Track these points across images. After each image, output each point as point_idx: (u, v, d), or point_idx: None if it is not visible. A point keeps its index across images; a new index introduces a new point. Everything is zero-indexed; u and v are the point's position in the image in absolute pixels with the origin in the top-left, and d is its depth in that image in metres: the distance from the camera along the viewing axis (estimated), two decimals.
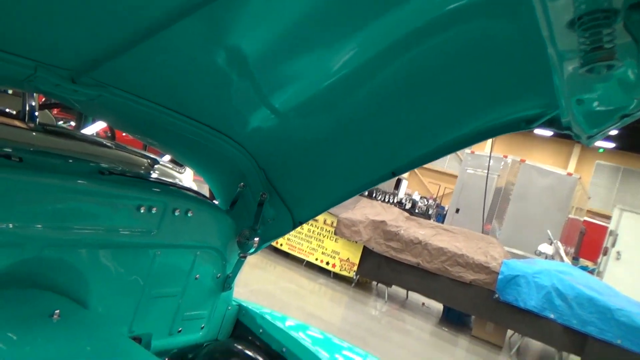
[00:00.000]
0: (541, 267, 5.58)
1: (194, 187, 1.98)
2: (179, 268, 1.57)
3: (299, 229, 7.28)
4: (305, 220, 1.71)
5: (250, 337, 1.75)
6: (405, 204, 24.74)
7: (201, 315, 1.71)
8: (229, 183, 1.76)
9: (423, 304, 7.07)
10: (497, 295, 5.53)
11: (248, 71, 1.24)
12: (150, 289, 1.47)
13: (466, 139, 1.23)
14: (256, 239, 1.66)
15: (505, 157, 10.59)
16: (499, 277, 5.52)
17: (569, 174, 10.34)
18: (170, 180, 1.69)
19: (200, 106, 1.39)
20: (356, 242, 6.65)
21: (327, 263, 7.01)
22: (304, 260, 7.27)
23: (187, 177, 1.94)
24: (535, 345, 6.39)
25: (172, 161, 2.36)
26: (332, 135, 1.46)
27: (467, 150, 11.47)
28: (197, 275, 1.63)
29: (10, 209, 1.07)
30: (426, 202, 25.82)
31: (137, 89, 1.24)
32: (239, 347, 1.70)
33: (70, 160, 1.28)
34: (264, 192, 1.66)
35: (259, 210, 1.67)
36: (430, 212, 21.23)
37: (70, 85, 1.13)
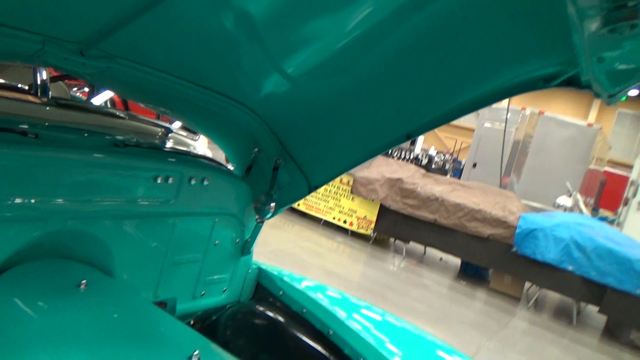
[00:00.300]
0: (560, 220, 5.56)
1: (209, 154, 1.99)
2: (199, 235, 1.60)
3: None
4: (321, 185, 1.72)
5: (271, 299, 1.80)
6: (422, 160, 24.61)
7: (223, 279, 1.75)
8: (243, 149, 1.77)
9: (441, 258, 7.15)
10: (514, 249, 5.55)
11: (258, 35, 1.21)
12: (172, 255, 1.51)
13: (482, 100, 1.20)
14: (272, 204, 1.68)
15: (524, 109, 10.35)
16: (517, 231, 5.52)
17: (590, 125, 10.09)
18: (184, 148, 1.70)
19: (210, 73, 1.38)
20: (373, 200, 6.69)
21: (345, 221, 7.08)
22: (322, 219, 7.35)
23: (201, 144, 1.95)
24: (553, 296, 6.45)
25: (185, 129, 2.35)
26: (345, 98, 1.43)
27: None
28: (217, 241, 1.66)
29: (31, 185, 1.09)
30: (443, 157, 25.60)
31: (146, 58, 1.23)
32: (261, 308, 1.76)
33: (85, 134, 1.30)
34: (278, 157, 1.67)
35: (274, 176, 1.68)
36: (447, 167, 21.08)
37: (79, 59, 1.12)
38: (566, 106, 20.13)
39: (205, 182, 1.52)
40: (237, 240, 1.75)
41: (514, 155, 10.27)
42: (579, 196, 7.79)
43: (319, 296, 1.77)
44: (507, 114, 9.52)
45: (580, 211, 7.65)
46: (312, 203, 7.39)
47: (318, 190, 7.35)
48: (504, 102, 11.02)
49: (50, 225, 1.15)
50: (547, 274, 5.40)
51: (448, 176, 15.14)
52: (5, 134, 1.07)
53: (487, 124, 10.84)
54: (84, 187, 1.20)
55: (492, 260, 5.85)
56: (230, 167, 1.87)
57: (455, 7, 1.05)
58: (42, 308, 1.05)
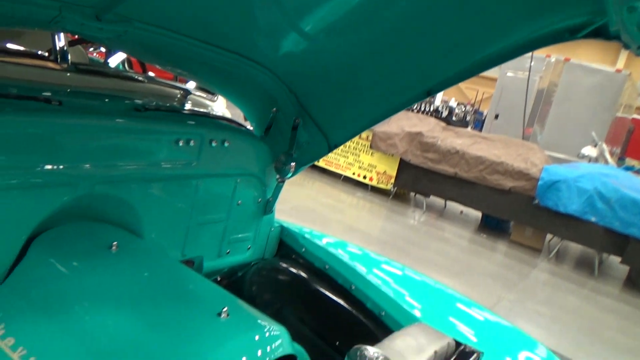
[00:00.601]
0: (583, 172, 5.47)
1: (228, 114, 2.00)
2: (222, 195, 1.63)
3: None
4: (341, 143, 1.72)
5: (294, 256, 1.85)
6: (442, 112, 24.09)
7: (247, 238, 1.80)
8: (261, 109, 1.77)
9: (461, 212, 7.16)
10: (536, 201, 5.52)
11: None
12: (197, 216, 1.55)
13: (505, 54, 1.17)
14: (292, 164, 1.69)
15: (548, 56, 9.98)
16: (539, 183, 5.47)
17: (618, 71, 9.70)
18: (204, 110, 1.71)
19: (227, 34, 1.37)
20: (392, 155, 6.66)
21: (364, 177, 7.09)
22: (342, 175, 7.38)
23: (220, 105, 1.95)
24: (575, 248, 6.44)
25: (203, 90, 2.32)
26: (363, 55, 1.41)
27: None
28: (239, 201, 1.70)
29: (58, 151, 1.12)
30: (463, 109, 25.00)
31: (163, 21, 1.22)
32: (284, 265, 1.81)
33: (107, 99, 1.31)
34: (297, 116, 1.66)
35: (293, 135, 1.68)
36: (468, 119, 20.63)
37: (96, 23, 1.12)
38: (594, 52, 19.33)
39: (226, 144, 1.54)
40: (259, 199, 1.78)
41: (538, 105, 10.00)
42: (604, 146, 7.61)
43: (340, 252, 1.81)
44: (530, 62, 9.21)
45: (606, 161, 7.50)
46: (332, 159, 7.40)
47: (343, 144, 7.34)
48: None
49: (80, 190, 1.19)
50: (570, 225, 5.38)
51: (469, 128, 14.89)
52: (30, 102, 1.09)
53: (509, 73, 10.52)
54: (108, 152, 1.22)
55: (513, 213, 5.84)
56: (250, 127, 1.88)
57: None
58: (77, 269, 1.10)
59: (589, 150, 7.79)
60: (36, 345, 0.90)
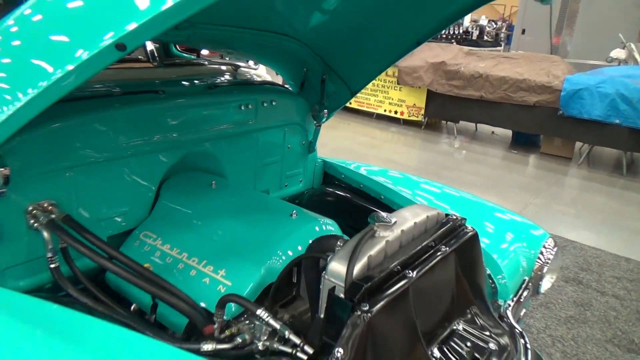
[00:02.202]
0: (605, 76, 5.64)
1: (268, 77, 2.50)
2: (276, 142, 2.16)
3: None
4: (360, 89, 2.19)
5: (336, 182, 2.38)
6: (472, 33, 23.32)
7: (298, 173, 2.34)
8: (295, 71, 2.25)
9: (493, 132, 7.46)
10: (561, 112, 5.78)
11: None
12: (260, 159, 2.09)
13: (469, 6, 1.59)
14: (325, 111, 2.20)
15: None
16: (562, 93, 5.70)
17: None
18: (255, 78, 2.22)
19: (268, 20, 1.83)
20: (419, 87, 6.97)
21: (395, 112, 7.47)
22: (374, 113, 7.77)
23: (261, 71, 2.41)
24: (605, 152, 6.67)
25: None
26: (366, 19, 1.84)
27: None
28: (289, 145, 2.22)
29: (168, 125, 1.67)
30: (495, 25, 24.01)
31: (218, 20, 1.71)
32: (329, 189, 2.35)
33: (189, 84, 1.84)
34: (323, 73, 2.14)
35: (322, 88, 2.17)
36: (500, 36, 19.97)
37: (174, 31, 1.62)
38: None
39: (274, 103, 2.05)
40: (303, 142, 2.31)
41: (564, 13, 9.83)
42: (633, 46, 7.57)
43: (379, 179, 2.28)
44: None
45: (636, 62, 7.50)
46: (363, 99, 7.79)
47: (366, 86, 7.71)
48: None
49: (183, 150, 1.75)
50: (595, 130, 5.64)
51: (502, 46, 14.64)
52: (147, 94, 1.63)
53: None
54: (197, 121, 1.76)
55: (540, 126, 6.12)
56: (287, 86, 2.37)
57: None
58: (194, 199, 1.68)
59: (618, 53, 7.78)
60: (182, 244, 1.49)
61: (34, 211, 1.35)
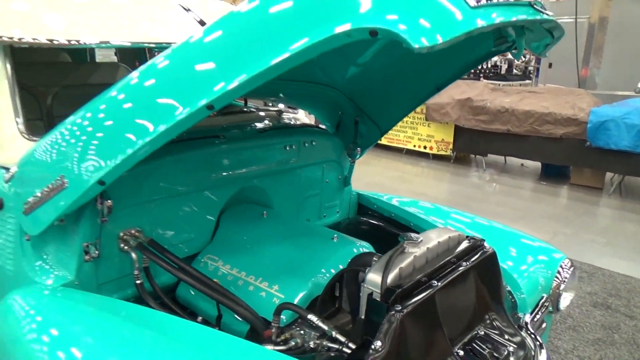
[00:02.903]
0: (630, 108, 5.77)
1: (306, 120, 2.81)
2: (316, 177, 2.45)
3: None
4: (389, 129, 2.47)
5: (369, 212, 2.64)
6: (501, 67, 23.36)
7: (335, 204, 2.61)
8: (331, 114, 2.55)
9: (522, 164, 7.58)
10: (588, 143, 5.90)
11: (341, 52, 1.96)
12: (302, 193, 2.38)
13: (467, 67, 1.88)
14: (358, 149, 2.49)
15: None
16: (588, 125, 5.84)
17: None
18: (297, 122, 2.54)
19: (315, 74, 2.15)
20: (447, 123, 7.22)
21: (425, 147, 7.71)
22: (404, 148, 8.04)
23: (300, 114, 2.72)
24: (636, 182, 6.68)
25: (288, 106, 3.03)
26: (392, 71, 2.15)
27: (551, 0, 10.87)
28: (327, 180, 2.51)
29: (227, 165, 1.98)
30: (524, 59, 24.02)
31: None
32: (363, 218, 2.61)
33: (244, 129, 2.16)
34: (356, 116, 2.44)
35: (355, 129, 2.46)
36: (530, 69, 20.00)
37: None
38: None
39: (314, 143, 2.35)
40: (340, 177, 2.59)
41: (590, 46, 9.99)
42: None
43: (412, 209, 2.52)
44: (575, 5, 9.26)
45: None
46: (393, 136, 8.08)
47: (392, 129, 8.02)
48: None
49: (238, 185, 2.05)
50: (624, 160, 5.73)
51: (532, 80, 14.79)
52: (211, 139, 1.95)
53: (558, 20, 10.52)
54: (250, 160, 2.07)
55: (568, 158, 6.24)
56: (323, 126, 2.68)
57: None
58: (249, 226, 1.97)
59: None
60: (241, 265, 1.76)
61: (124, 236, 1.66)
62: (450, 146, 7.37)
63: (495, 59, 23.21)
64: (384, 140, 8.17)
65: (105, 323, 1.39)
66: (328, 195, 2.55)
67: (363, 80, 2.26)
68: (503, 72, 20.69)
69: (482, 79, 11.17)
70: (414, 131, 7.78)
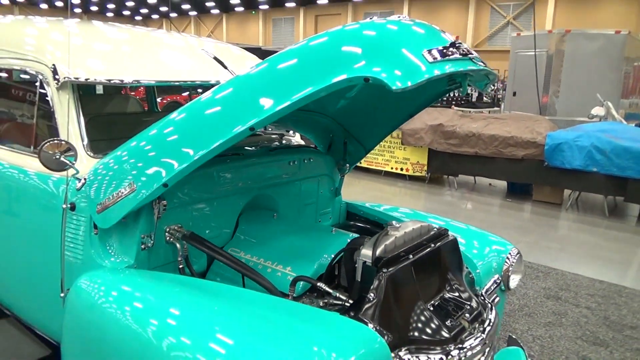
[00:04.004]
0: (581, 132, 6.51)
1: (302, 142, 3.36)
2: (312, 189, 2.96)
3: None
4: (372, 148, 3.02)
5: (357, 217, 3.16)
6: (472, 95, 24.55)
7: (328, 211, 3.13)
8: (323, 136, 3.09)
9: (490, 184, 8.25)
10: (546, 163, 6.59)
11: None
12: (302, 201, 2.89)
13: (426, 103, 2.46)
14: (347, 165, 3.03)
15: (550, 31, 10.89)
16: (545, 148, 6.54)
17: (617, 32, 10.47)
18: (293, 142, 3.07)
19: (311, 106, 2.68)
20: (421, 147, 7.87)
21: (401, 169, 8.33)
22: (382, 170, 8.64)
23: (297, 138, 3.23)
24: (592, 198, 7.40)
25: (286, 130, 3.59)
26: (373, 103, 2.71)
27: (514, 34, 11.84)
28: (322, 191, 3.03)
29: (244, 175, 2.48)
30: (493, 87, 25.26)
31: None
32: (352, 222, 3.13)
33: (256, 148, 2.68)
34: (345, 138, 2.98)
35: (344, 148, 3.00)
36: (500, 96, 21.12)
37: None
38: (611, 16, 19.79)
39: (311, 160, 2.88)
40: (332, 188, 3.11)
41: (549, 76, 10.91)
42: (610, 104, 8.51)
43: (394, 214, 3.05)
44: (534, 40, 10.17)
45: (613, 118, 8.40)
46: (372, 159, 8.68)
47: (375, 147, 8.65)
48: (547, 25, 11.53)
49: (253, 192, 2.56)
50: (577, 178, 6.43)
51: (500, 107, 15.72)
52: (232, 156, 2.46)
53: (520, 52, 11.48)
54: (263, 173, 2.59)
55: (529, 176, 6.93)
56: (314, 146, 3.21)
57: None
58: (263, 226, 2.47)
59: (598, 110, 8.70)
60: (259, 253, 2.26)
61: (170, 230, 2.14)
62: (425, 168, 8.00)
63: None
64: (364, 163, 8.78)
65: (167, 289, 1.87)
66: (322, 204, 3.07)
67: (350, 109, 2.82)
68: (474, 99, 21.87)
69: (453, 106, 11.93)
70: (391, 154, 8.41)
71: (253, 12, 44.32)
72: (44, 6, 45.19)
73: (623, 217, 6.59)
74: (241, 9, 45.01)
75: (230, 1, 42.39)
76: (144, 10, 49.91)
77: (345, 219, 3.25)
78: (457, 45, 1.73)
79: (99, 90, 3.79)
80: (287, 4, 40.06)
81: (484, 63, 1.88)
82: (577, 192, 7.08)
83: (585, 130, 6.61)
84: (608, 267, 4.65)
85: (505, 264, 2.58)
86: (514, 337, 2.63)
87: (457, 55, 1.70)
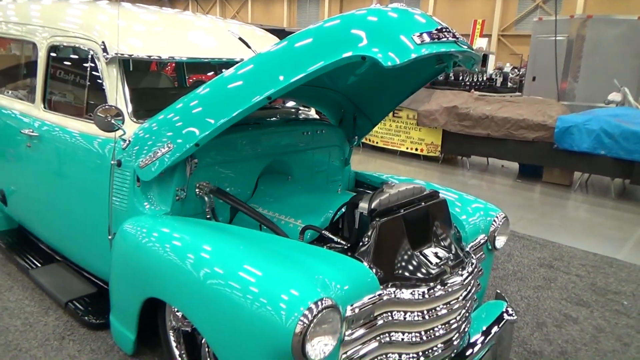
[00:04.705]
0: (591, 115, 6.68)
1: (316, 116, 3.71)
2: (324, 157, 3.32)
3: (388, 126, 8.90)
4: (379, 122, 3.35)
5: (365, 185, 3.51)
6: (496, 80, 24.34)
7: (338, 179, 3.48)
8: (335, 111, 3.43)
9: (502, 165, 8.47)
10: (556, 145, 6.79)
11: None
12: (314, 168, 3.25)
13: (422, 83, 2.77)
14: (356, 137, 3.37)
15: (572, 17, 10.88)
16: (555, 130, 6.74)
17: None
18: (309, 116, 3.42)
19: (321, 80, 3.02)
20: (436, 128, 8.13)
21: (416, 149, 8.61)
22: (397, 150, 8.93)
23: (312, 112, 3.58)
24: (602, 181, 7.57)
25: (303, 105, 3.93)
26: (378, 79, 3.02)
27: (535, 18, 11.84)
28: (333, 160, 3.38)
29: (262, 142, 2.85)
30: (518, 72, 25.02)
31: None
32: (360, 189, 3.48)
33: (274, 119, 3.03)
34: (354, 112, 3.32)
35: (353, 123, 3.34)
36: (524, 82, 20.92)
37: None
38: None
39: (323, 131, 3.23)
40: (342, 158, 3.46)
41: (569, 61, 10.93)
42: (627, 90, 8.58)
43: (390, 179, 3.40)
44: (555, 25, 10.21)
45: (630, 104, 8.48)
46: (388, 139, 8.98)
47: (390, 127, 8.96)
48: (578, 9, 11.53)
49: (271, 158, 2.92)
50: (585, 160, 6.62)
51: (523, 92, 15.74)
52: (253, 124, 2.83)
53: (540, 37, 11.51)
54: (279, 140, 2.95)
55: (539, 158, 7.14)
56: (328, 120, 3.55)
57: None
58: (280, 185, 2.84)
59: (614, 96, 8.78)
60: (275, 209, 2.63)
61: (199, 185, 2.53)
62: (439, 148, 8.27)
63: (490, 71, 24.22)
64: (380, 143, 9.08)
65: (199, 231, 2.26)
66: (332, 172, 3.43)
67: (359, 87, 3.15)
68: (498, 85, 21.81)
69: (473, 90, 12.07)
70: (407, 135, 8.69)
71: None
72: None
73: (630, 199, 6.77)
74: None
75: None
76: None
77: (354, 186, 3.61)
78: (444, 29, 2.04)
79: (135, 67, 4.19)
80: None
81: (467, 46, 2.19)
82: (586, 175, 7.26)
83: (595, 114, 6.78)
84: (605, 242, 4.90)
85: (492, 225, 2.91)
86: (500, 293, 2.97)
87: (443, 39, 2.02)
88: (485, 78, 21.26)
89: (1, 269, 3.50)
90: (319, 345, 1.74)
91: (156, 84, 4.08)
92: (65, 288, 3.09)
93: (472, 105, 7.76)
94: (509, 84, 22.72)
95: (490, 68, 25.38)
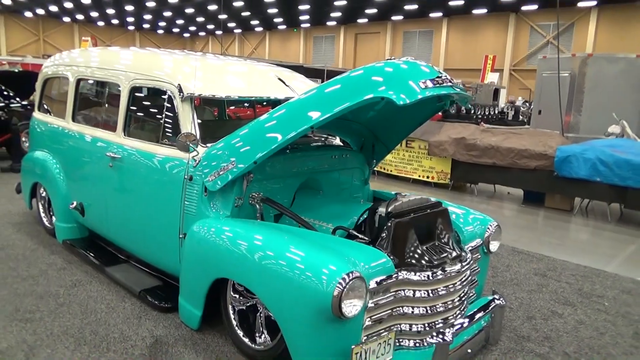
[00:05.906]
0: (588, 146, 7.32)
1: (341, 143, 4.44)
2: (347, 177, 4.02)
3: (401, 155, 9.61)
4: (393, 148, 4.07)
5: (382, 201, 4.19)
6: (508, 113, 25.04)
7: (359, 196, 4.17)
8: (356, 139, 4.16)
9: (508, 192, 9.07)
10: (556, 173, 7.41)
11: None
12: (339, 186, 3.95)
13: (423, 120, 3.48)
14: (374, 161, 4.08)
15: (574, 55, 11.63)
16: (555, 159, 7.38)
17: (638, 56, 11.11)
18: (335, 143, 4.15)
19: (349, 117, 3.75)
20: (445, 157, 8.81)
21: (427, 177, 9.28)
22: (410, 178, 9.61)
23: (337, 140, 4.33)
24: (601, 205, 8.12)
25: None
26: (394, 113, 3.74)
27: (540, 57, 12.62)
28: (355, 180, 4.08)
29: (300, 163, 3.56)
30: (529, 105, 25.70)
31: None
32: (377, 203, 4.16)
33: (308, 144, 3.76)
34: (373, 141, 4.03)
35: (372, 149, 4.06)
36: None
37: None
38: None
39: (348, 156, 3.94)
40: (362, 179, 4.16)
41: (572, 96, 11.63)
42: (625, 123, 9.22)
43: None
44: (558, 63, 10.95)
45: (628, 136, 9.10)
46: (401, 167, 9.67)
47: (404, 157, 9.69)
48: (588, 48, 12.29)
49: (306, 176, 3.63)
50: (583, 187, 7.22)
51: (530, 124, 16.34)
52: (293, 149, 3.55)
53: (544, 74, 12.25)
54: (312, 162, 3.66)
55: (541, 185, 7.75)
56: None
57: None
58: (314, 198, 3.54)
59: (614, 128, 9.42)
60: (310, 215, 3.33)
61: (252, 195, 3.24)
62: (449, 176, 8.93)
63: (502, 104, 25.03)
64: (394, 171, 9.78)
65: (252, 226, 2.95)
66: (355, 189, 4.12)
67: (377, 120, 3.88)
68: (509, 117, 22.47)
69: (482, 123, 12.75)
70: (418, 164, 9.38)
71: (295, 29, 46.08)
72: (100, 24, 48.50)
73: (627, 223, 7.30)
74: (283, 27, 46.90)
75: (274, 19, 44.28)
76: (192, 28, 52.64)
77: (372, 200, 4.29)
78: (443, 77, 2.77)
79: None
80: (328, 23, 41.61)
81: (460, 89, 2.91)
82: (586, 201, 7.84)
83: (592, 144, 7.41)
84: (596, 258, 5.46)
85: (487, 232, 3.55)
86: (496, 291, 3.59)
87: (442, 84, 2.74)
88: (497, 111, 22.00)
89: (80, 268, 4.22)
90: (351, 306, 2.40)
91: (202, 116, 4.88)
92: (136, 281, 3.79)
93: (479, 137, 8.45)
94: (520, 117, 23.41)
95: (502, 102, 26.18)
